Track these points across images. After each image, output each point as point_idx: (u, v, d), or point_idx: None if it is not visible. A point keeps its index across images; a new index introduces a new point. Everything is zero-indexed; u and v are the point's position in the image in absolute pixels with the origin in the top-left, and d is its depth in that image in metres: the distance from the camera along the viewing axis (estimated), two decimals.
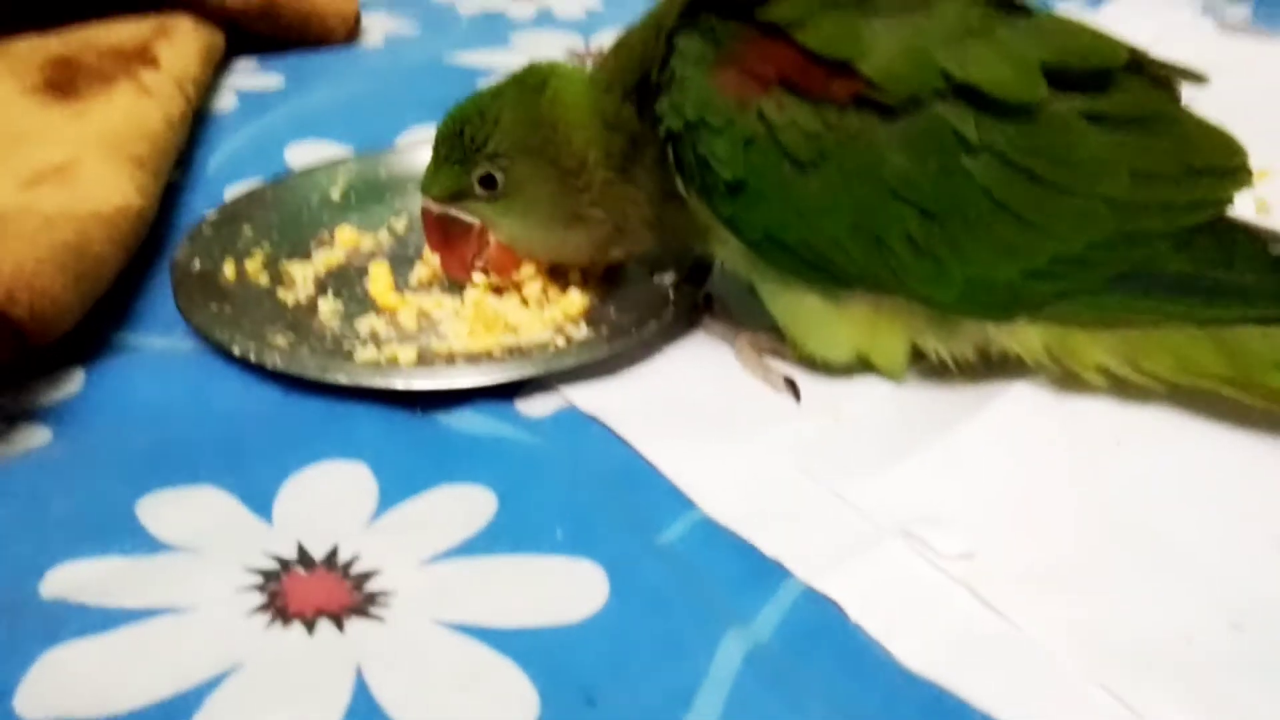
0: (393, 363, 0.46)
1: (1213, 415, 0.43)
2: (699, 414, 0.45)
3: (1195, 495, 0.40)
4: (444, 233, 0.49)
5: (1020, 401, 0.45)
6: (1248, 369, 0.41)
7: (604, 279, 0.53)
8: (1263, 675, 0.34)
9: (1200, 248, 0.41)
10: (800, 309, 0.46)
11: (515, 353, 0.47)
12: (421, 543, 0.37)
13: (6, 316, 0.41)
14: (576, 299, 0.50)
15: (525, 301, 0.50)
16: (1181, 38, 0.82)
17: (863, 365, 0.46)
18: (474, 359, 0.46)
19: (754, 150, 0.41)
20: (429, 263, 0.54)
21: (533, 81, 0.47)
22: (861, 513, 0.39)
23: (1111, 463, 0.42)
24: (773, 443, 0.43)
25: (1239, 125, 0.64)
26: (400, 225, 0.57)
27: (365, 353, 0.47)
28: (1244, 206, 0.56)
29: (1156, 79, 0.42)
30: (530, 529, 0.38)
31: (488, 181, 0.47)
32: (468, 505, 0.39)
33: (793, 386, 0.46)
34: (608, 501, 0.40)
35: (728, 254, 0.46)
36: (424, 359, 0.46)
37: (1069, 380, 0.45)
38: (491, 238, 0.49)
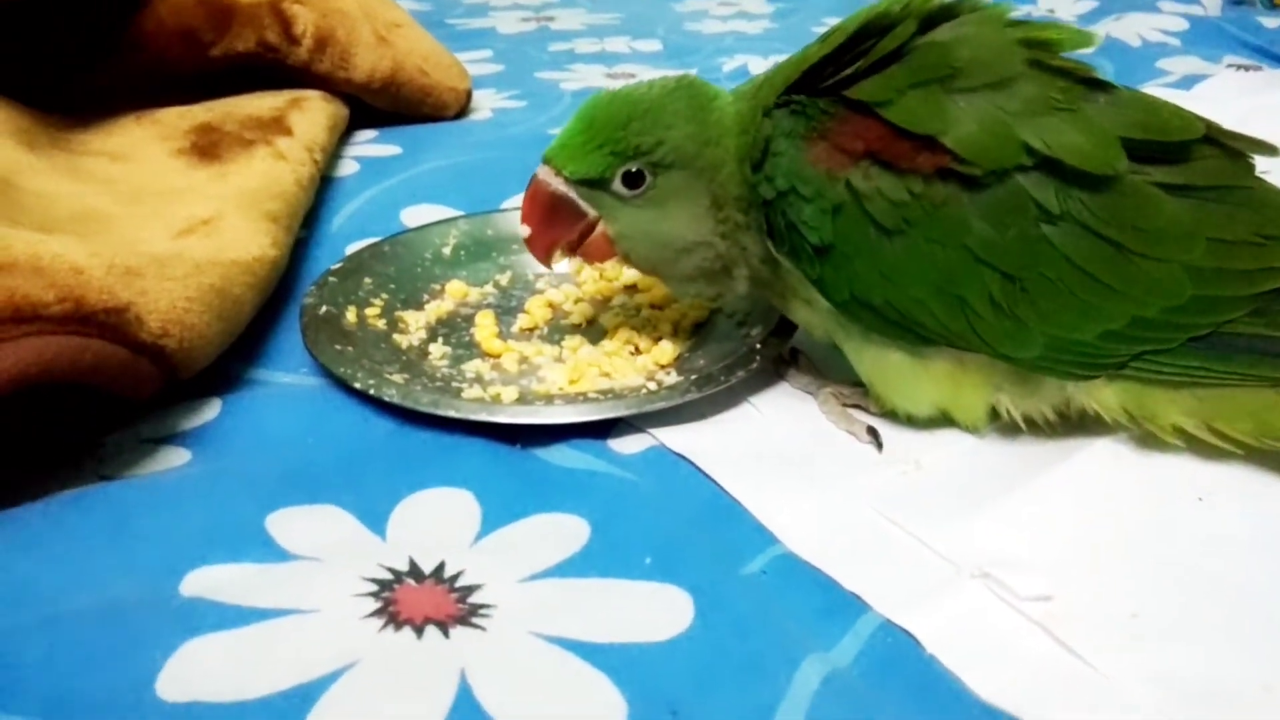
0: (496, 400, 0.49)
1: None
2: (783, 458, 0.47)
3: (1277, 551, 0.41)
4: (549, 210, 0.48)
5: (1100, 457, 0.46)
6: None
7: (693, 331, 0.56)
8: None
9: (1276, 313, 0.42)
10: (884, 365, 0.48)
11: (609, 395, 0.50)
12: (520, 562, 0.40)
13: (160, 349, 0.45)
14: (668, 348, 0.53)
15: (618, 350, 0.54)
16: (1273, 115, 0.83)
17: (945, 419, 0.48)
18: (571, 400, 0.50)
19: (842, 217, 0.43)
20: (531, 313, 0.57)
21: (701, 97, 0.47)
22: (940, 555, 0.41)
23: (1193, 518, 0.43)
24: (854, 487, 0.45)
25: None
26: (505, 279, 0.61)
27: (472, 391, 0.50)
28: None
29: (1231, 151, 0.44)
30: (620, 555, 0.41)
31: (633, 180, 0.47)
32: (563, 531, 0.42)
33: (875, 436, 0.48)
34: (694, 534, 0.42)
35: (814, 314, 0.49)
36: (524, 398, 0.50)
37: (1149, 439, 0.46)
38: (599, 231, 0.49)
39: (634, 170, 0.47)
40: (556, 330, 0.57)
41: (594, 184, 0.48)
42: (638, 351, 0.54)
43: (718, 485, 0.45)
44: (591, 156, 0.47)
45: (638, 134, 0.46)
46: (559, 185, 0.48)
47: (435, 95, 0.87)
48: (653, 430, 0.48)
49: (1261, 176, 0.45)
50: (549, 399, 0.50)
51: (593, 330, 0.56)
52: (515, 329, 0.57)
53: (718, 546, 0.41)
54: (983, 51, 0.43)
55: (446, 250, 0.62)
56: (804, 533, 0.42)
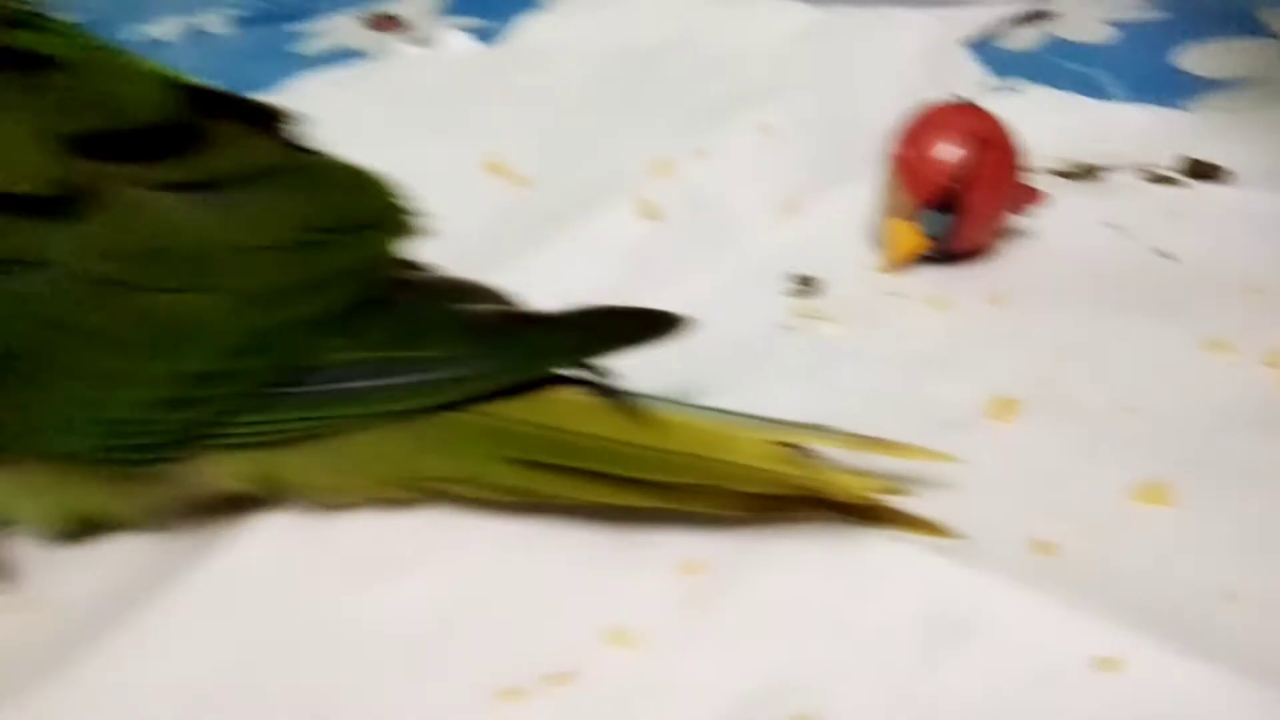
0: None
1: (484, 521, 0.34)
2: None
3: (414, 652, 0.30)
4: None
5: (263, 540, 0.35)
6: (460, 465, 0.32)
7: None
8: None
9: (368, 327, 0.31)
10: None
11: None
12: None
13: None
14: None
15: None
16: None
17: (90, 526, 0.36)
18: None
19: None
20: None
21: None
22: None
23: (337, 615, 0.32)
24: None
25: (654, 110, 0.56)
26: None
27: None
28: (621, 213, 0.48)
29: (256, 121, 0.32)
30: None
31: None
32: None
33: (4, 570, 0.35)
34: None
35: None
36: None
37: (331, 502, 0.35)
38: None
39: None
40: None
41: None
42: None
43: None
44: None
45: None
46: None
47: None
48: None
49: (306, 150, 0.33)
50: None
51: None
52: None
53: None
54: None
55: None
56: None
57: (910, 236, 0.44)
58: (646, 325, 0.32)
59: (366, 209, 0.32)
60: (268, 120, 0.32)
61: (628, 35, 0.66)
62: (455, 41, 0.69)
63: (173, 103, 0.31)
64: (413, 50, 0.68)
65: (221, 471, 0.33)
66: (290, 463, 0.33)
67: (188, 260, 0.30)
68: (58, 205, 0.29)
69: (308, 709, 0.30)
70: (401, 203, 0.33)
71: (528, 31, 0.69)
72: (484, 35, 0.69)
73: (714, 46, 0.63)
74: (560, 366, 0.32)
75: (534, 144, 0.54)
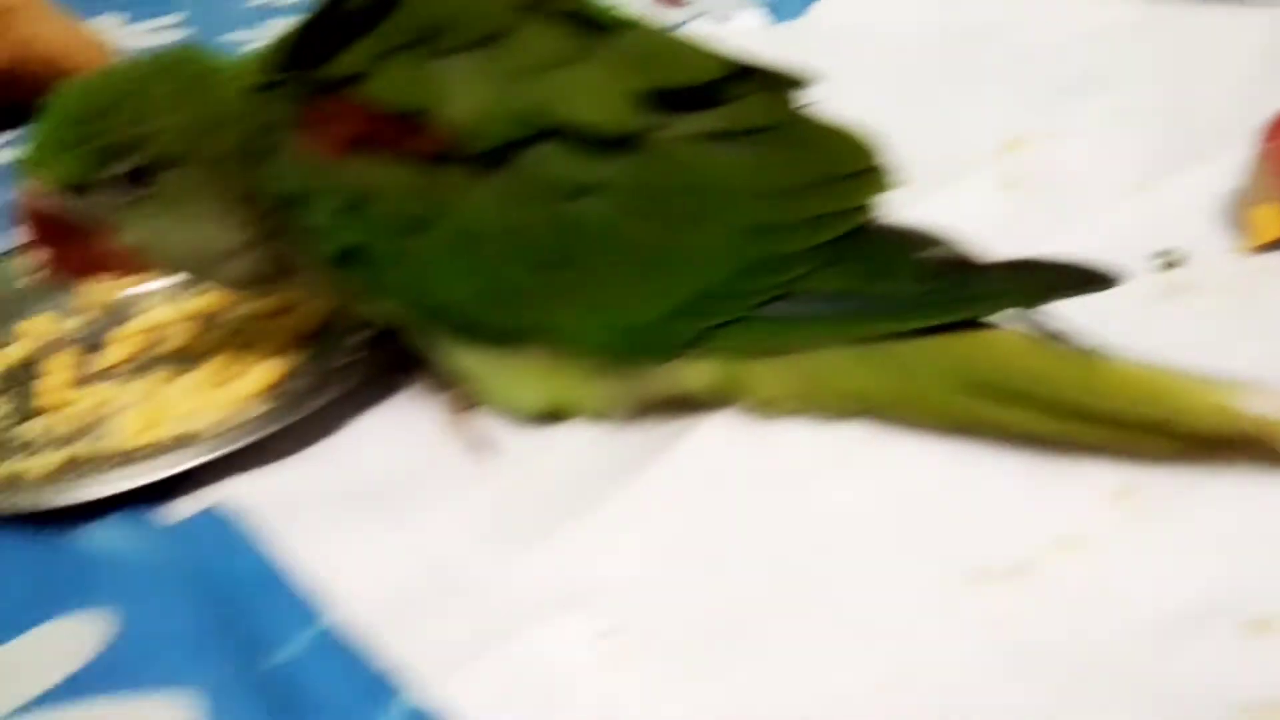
0: (21, 477, 0.42)
1: (915, 435, 0.39)
2: (370, 494, 0.41)
3: (881, 531, 0.36)
4: (46, 229, 0.40)
5: (711, 438, 0.41)
6: (921, 388, 0.37)
7: (315, 337, 0.49)
8: None
9: (846, 262, 0.37)
10: (476, 364, 0.41)
11: (181, 443, 0.43)
12: (11, 691, 0.34)
13: None
14: (265, 371, 0.46)
15: (206, 381, 0.46)
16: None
17: (555, 414, 0.42)
18: (128, 459, 0.42)
19: (352, 217, 0.37)
20: (118, 345, 0.50)
21: (200, 74, 0.40)
22: (509, 595, 0.36)
23: (798, 501, 0.38)
24: (447, 518, 0.39)
25: (995, 89, 0.60)
26: (102, 304, 0.53)
27: (10, 464, 0.42)
28: (984, 185, 0.52)
29: (769, 85, 0.38)
30: (137, 663, 0.34)
31: (136, 176, 0.39)
32: (73, 641, 0.35)
33: (486, 445, 0.42)
34: (230, 619, 0.36)
35: (386, 316, 0.42)
36: (70, 465, 0.42)
37: (763, 413, 0.41)
38: (116, 241, 0.41)
39: (134, 168, 0.38)
40: (145, 364, 0.49)
41: (82, 189, 0.39)
42: (231, 378, 0.47)
43: (271, 550, 0.38)
44: (68, 158, 0.38)
45: (117, 126, 0.38)
46: (44, 198, 0.39)
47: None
48: (219, 484, 0.42)
49: (805, 110, 0.39)
50: (99, 462, 0.42)
51: (187, 358, 0.49)
52: (97, 368, 0.49)
53: (251, 632, 0.35)
54: (470, 1, 0.36)
55: (25, 281, 0.53)
56: (362, 594, 0.36)
57: (1277, 221, 0.47)
58: (1080, 278, 0.37)
59: (853, 163, 0.37)
60: (780, 84, 0.38)
61: (925, 18, 0.70)
62: (746, 18, 0.74)
63: (720, 66, 0.36)
64: (703, 26, 0.73)
65: (694, 375, 0.39)
66: (755, 372, 0.39)
67: (707, 197, 0.36)
68: (620, 144, 0.35)
69: (767, 579, 0.35)
70: (881, 159, 0.38)
71: (821, 11, 0.73)
72: (776, 12, 0.73)
73: (1035, 34, 0.66)
74: (1005, 309, 0.37)
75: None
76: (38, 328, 0.51)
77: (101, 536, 0.39)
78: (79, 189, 0.39)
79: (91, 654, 0.35)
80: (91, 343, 0.50)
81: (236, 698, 0.33)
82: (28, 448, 0.44)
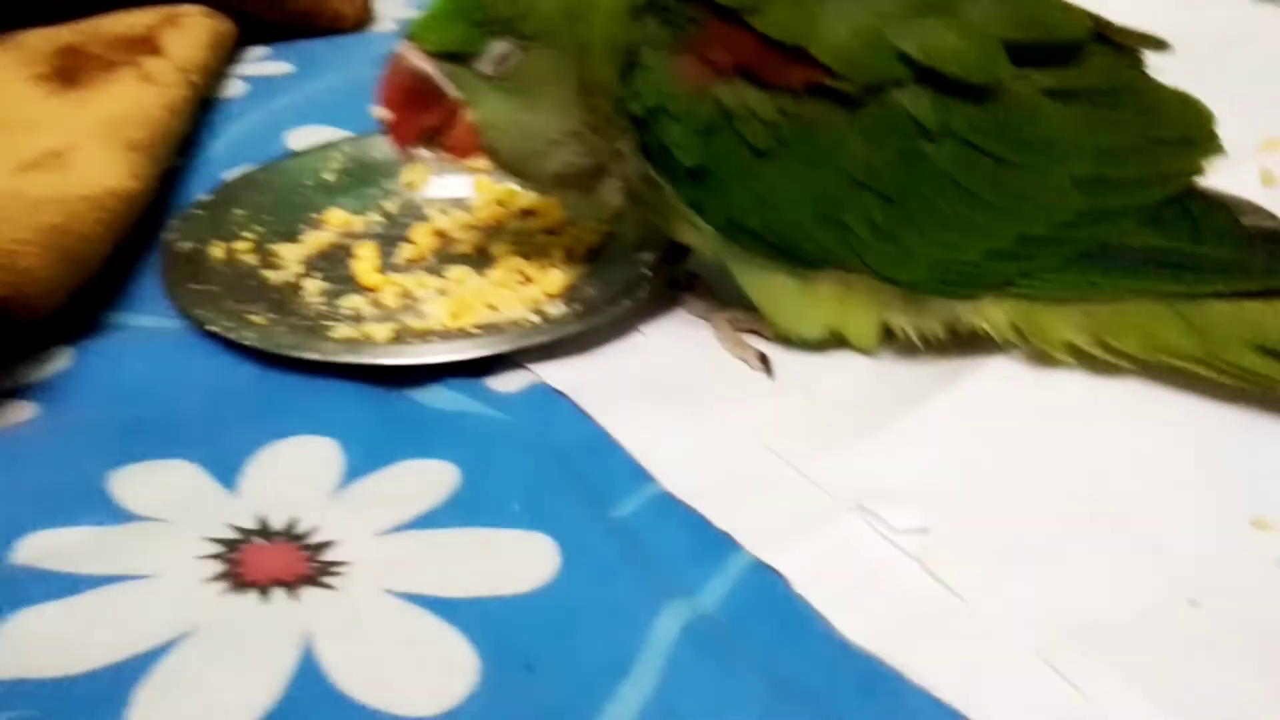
0: (367, 340, 0.46)
1: (1189, 392, 0.42)
2: (669, 390, 0.45)
3: (1165, 473, 0.40)
4: (408, 90, 0.44)
5: (992, 377, 0.44)
6: (1216, 346, 0.40)
7: (588, 258, 0.53)
8: (1214, 653, 0.33)
9: (1168, 221, 0.40)
10: (772, 288, 0.45)
11: (491, 330, 0.47)
12: (381, 515, 0.38)
13: None
14: (557, 277, 0.51)
15: (506, 280, 0.51)
16: (1212, 4, 0.80)
17: (837, 341, 0.46)
18: (449, 336, 0.47)
19: (713, 138, 0.41)
20: (417, 243, 0.54)
21: None
22: (820, 488, 0.39)
23: (1080, 439, 0.41)
24: (741, 419, 0.43)
25: (1256, 92, 0.62)
26: (392, 207, 0.58)
27: (344, 330, 0.47)
28: (1248, 177, 0.55)
29: (1121, 48, 0.41)
30: (488, 503, 0.39)
31: (501, 58, 0.42)
32: (430, 479, 0.40)
33: (766, 362, 0.46)
34: (567, 476, 0.40)
35: (699, 236, 0.46)
36: (400, 337, 0.47)
37: (1044, 357, 0.44)
38: (462, 117, 0.44)
39: (504, 48, 0.42)
40: (443, 260, 0.54)
41: (457, 59, 0.43)
42: (527, 281, 0.52)
43: (596, 423, 0.43)
44: (454, 27, 0.42)
45: (506, 3, 0.42)
46: (420, 61, 0.43)
47: (329, 5, 0.82)
48: (535, 366, 0.46)
49: (1151, 74, 0.42)
50: (426, 336, 0.47)
51: (481, 259, 0.53)
52: (399, 260, 0.54)
53: (590, 489, 0.40)
54: None
55: (328, 176, 0.59)
56: (681, 469, 0.40)
57: None
58: None
59: (1183, 129, 0.41)
60: (1130, 46, 0.41)
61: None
62: None
63: (1088, 26, 0.40)
64: None
65: (993, 314, 0.43)
66: (1053, 318, 0.42)
67: (1045, 149, 0.39)
68: (979, 92, 0.39)
69: (1063, 503, 0.38)
70: (1212, 127, 0.41)
71: None
72: None
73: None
74: None
75: None
76: (334, 218, 0.56)
77: (440, 398, 0.44)
78: (454, 58, 0.43)
79: (444, 495, 0.39)
80: (391, 236, 0.55)
81: (588, 539, 0.37)
82: (354, 318, 0.49)
